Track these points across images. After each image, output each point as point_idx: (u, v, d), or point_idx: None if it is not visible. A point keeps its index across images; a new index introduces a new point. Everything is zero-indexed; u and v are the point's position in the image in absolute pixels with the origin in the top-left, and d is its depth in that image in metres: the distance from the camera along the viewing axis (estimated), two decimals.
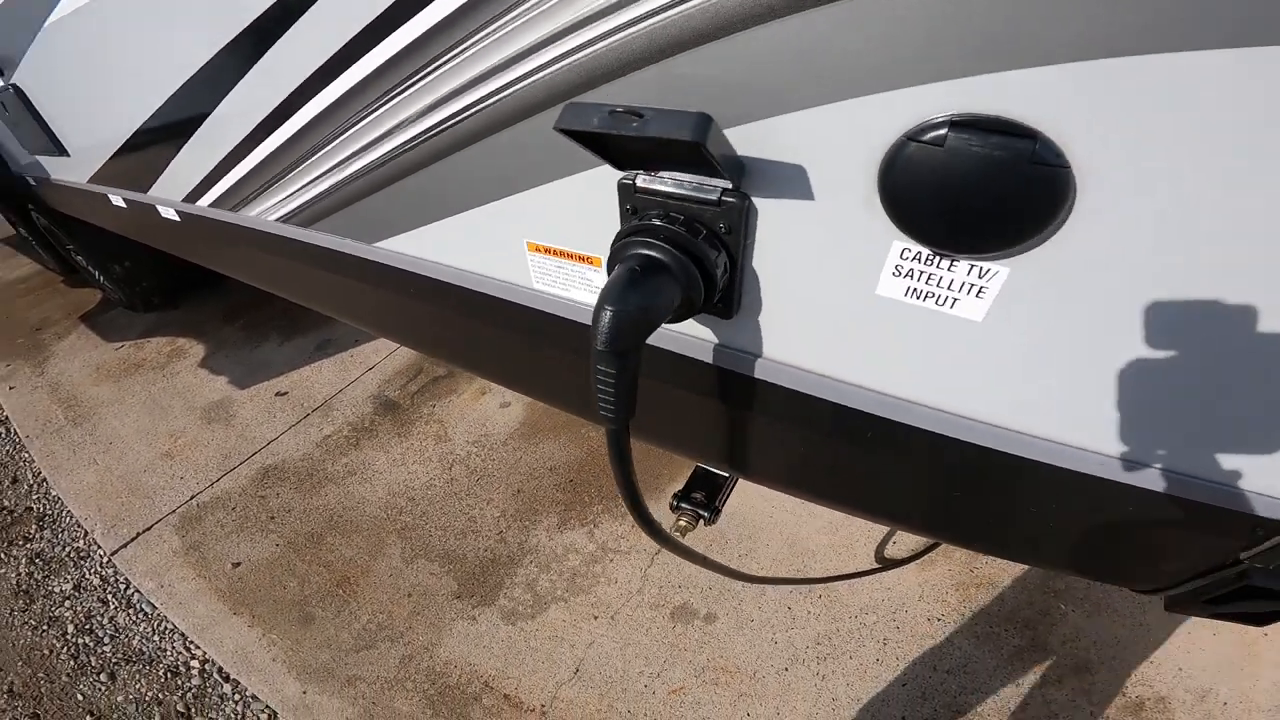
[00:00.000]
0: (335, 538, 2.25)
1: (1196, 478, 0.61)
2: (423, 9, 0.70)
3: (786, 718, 1.67)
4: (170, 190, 1.52)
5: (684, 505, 1.41)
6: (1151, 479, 0.63)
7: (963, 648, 1.78)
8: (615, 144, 0.58)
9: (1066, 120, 0.45)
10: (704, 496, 1.40)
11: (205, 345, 3.42)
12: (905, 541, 2.03)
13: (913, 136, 0.49)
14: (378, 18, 0.75)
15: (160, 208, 1.64)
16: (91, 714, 1.94)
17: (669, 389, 0.86)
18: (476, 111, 0.74)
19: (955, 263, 0.55)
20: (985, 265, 0.54)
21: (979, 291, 0.56)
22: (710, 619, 1.89)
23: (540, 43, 0.64)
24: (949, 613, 1.85)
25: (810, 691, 1.71)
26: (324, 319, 3.45)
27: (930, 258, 0.56)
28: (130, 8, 1.16)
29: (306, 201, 1.12)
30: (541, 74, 0.66)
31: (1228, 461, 0.60)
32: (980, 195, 0.48)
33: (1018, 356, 0.59)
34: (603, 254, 0.71)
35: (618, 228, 0.68)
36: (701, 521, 1.44)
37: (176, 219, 1.61)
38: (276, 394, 2.97)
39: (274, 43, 0.91)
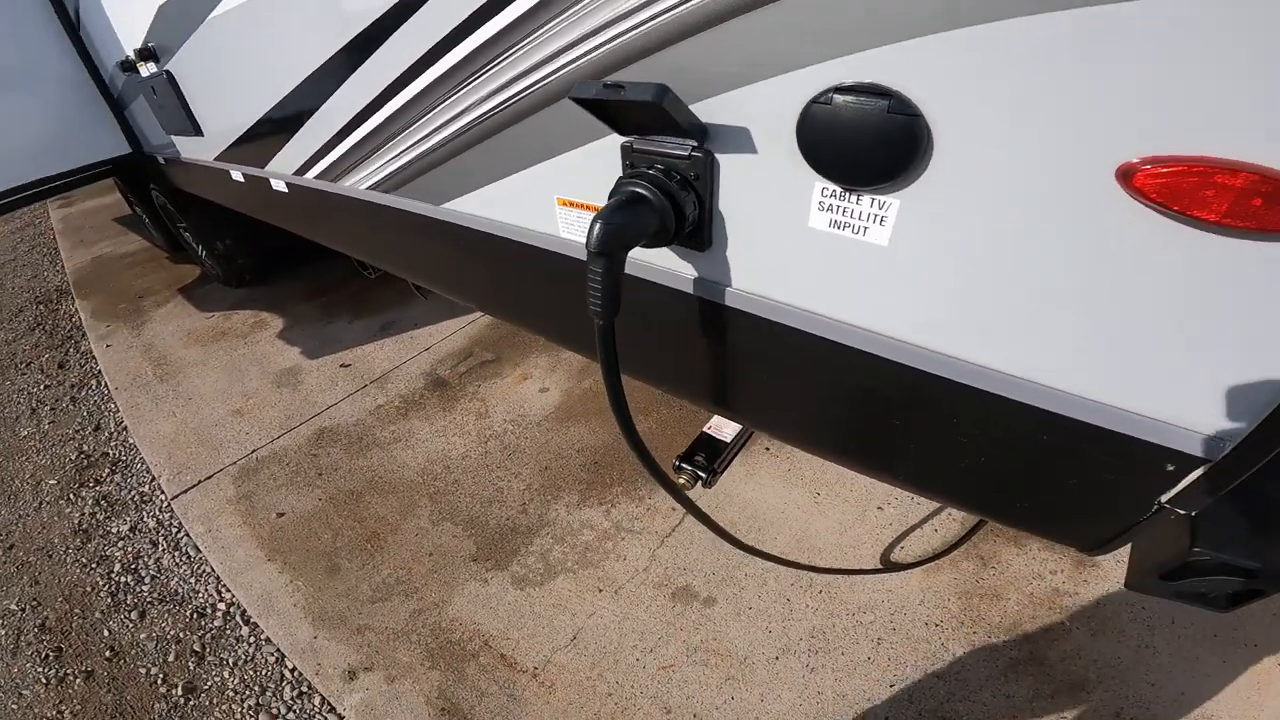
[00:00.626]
0: (373, 496, 2.45)
1: (1090, 399, 0.67)
2: (485, 22, 0.95)
3: (770, 705, 1.70)
4: (282, 165, 1.84)
5: (685, 466, 1.56)
6: (1046, 398, 0.70)
7: (957, 655, 1.78)
8: (612, 111, 0.79)
9: (915, 81, 0.63)
10: (704, 459, 1.54)
11: (284, 319, 3.82)
12: (913, 547, 2.06)
13: (814, 100, 0.68)
14: (449, 33, 1.01)
15: (273, 180, 1.97)
16: (111, 649, 2.11)
17: (663, 326, 1.05)
18: (524, 96, 0.98)
19: (860, 197, 0.72)
20: (881, 198, 0.71)
21: (881, 220, 0.73)
22: (709, 602, 1.96)
23: (571, 43, 0.88)
24: (948, 619, 1.85)
25: (797, 682, 1.74)
26: (390, 302, 3.81)
27: (842, 193, 0.73)
28: (276, 9, 1.45)
29: (391, 173, 1.39)
30: (571, 65, 0.89)
31: (1123, 382, 0.64)
32: (860, 140, 0.66)
33: (918, 275, 0.74)
34: None
35: None
36: (700, 483, 1.58)
37: (285, 190, 1.93)
38: (341, 365, 3.29)
39: (376, 48, 1.19)
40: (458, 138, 1.14)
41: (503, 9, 0.92)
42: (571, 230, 1.07)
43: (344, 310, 3.82)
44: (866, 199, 0.72)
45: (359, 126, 1.40)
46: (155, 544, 2.47)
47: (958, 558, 2.02)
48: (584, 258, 1.06)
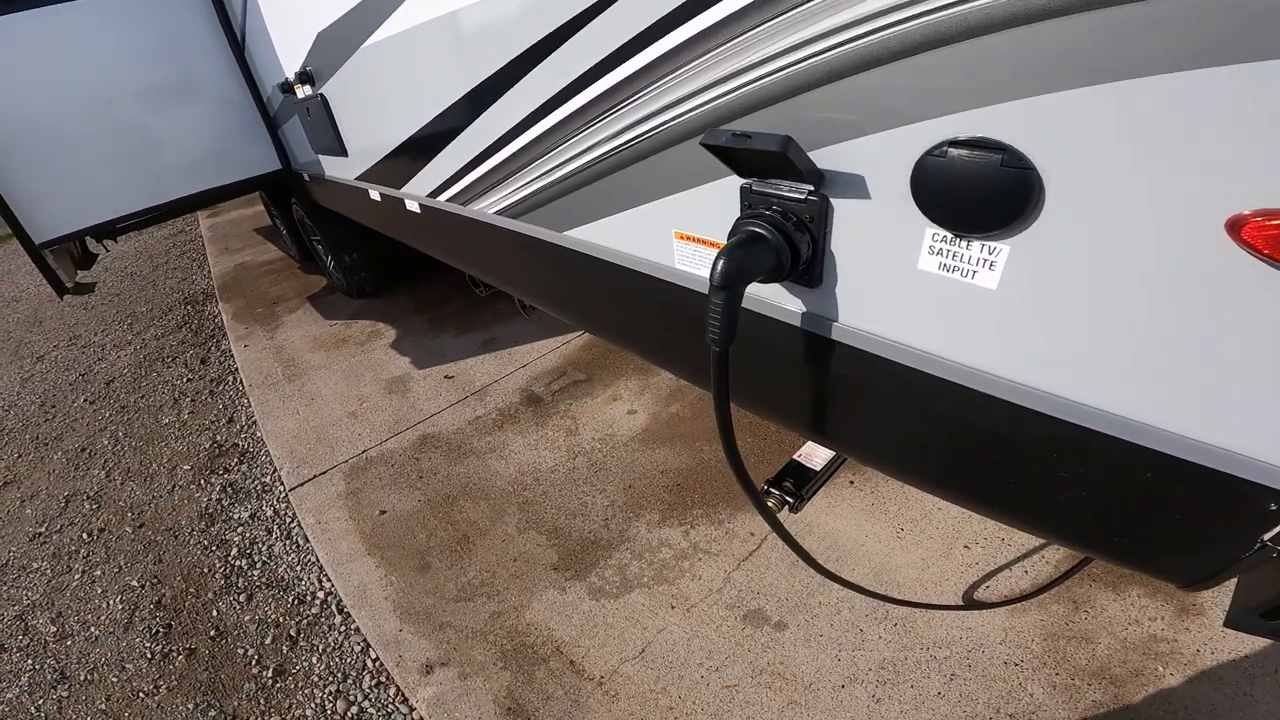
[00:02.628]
0: (466, 501, 2.60)
1: (1193, 439, 0.69)
2: (617, 66, 1.07)
3: None
4: (418, 188, 2.04)
5: (773, 490, 1.62)
6: (1149, 436, 0.73)
7: (1035, 695, 1.70)
8: (736, 157, 0.90)
9: (1028, 136, 0.69)
10: (793, 485, 1.59)
11: (396, 331, 4.15)
12: (999, 588, 1.99)
13: (929, 153, 0.76)
14: (583, 74, 1.14)
15: (408, 201, 2.19)
16: (216, 629, 2.27)
17: (771, 356, 1.13)
18: (650, 136, 1.10)
19: (970, 242, 0.78)
20: (992, 244, 0.77)
21: (990, 265, 0.78)
22: (780, 627, 1.95)
23: (700, 89, 0.99)
24: (1029, 659, 1.78)
25: (861, 712, 1.70)
26: (494, 320, 4.06)
27: (953, 239, 0.80)
28: (426, 41, 1.60)
29: (519, 199, 1.56)
30: (698, 110, 1.00)
31: (1227, 422, 0.66)
32: (973, 191, 0.73)
33: (1026, 318, 0.78)
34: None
35: None
36: (786, 507, 1.63)
37: (418, 211, 2.15)
38: (445, 377, 3.53)
39: (513, 85, 1.34)
40: (585, 170, 1.28)
41: (634, 55, 1.04)
42: (686, 262, 1.17)
43: (450, 325, 4.09)
44: (976, 244, 0.78)
45: (492, 156, 1.56)
46: (270, 531, 2.69)
47: (1047, 600, 1.93)
48: (696, 288, 1.18)
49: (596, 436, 2.90)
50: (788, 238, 0.90)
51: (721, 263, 0.87)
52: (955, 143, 0.73)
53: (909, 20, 0.71)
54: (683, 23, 0.95)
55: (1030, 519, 0.97)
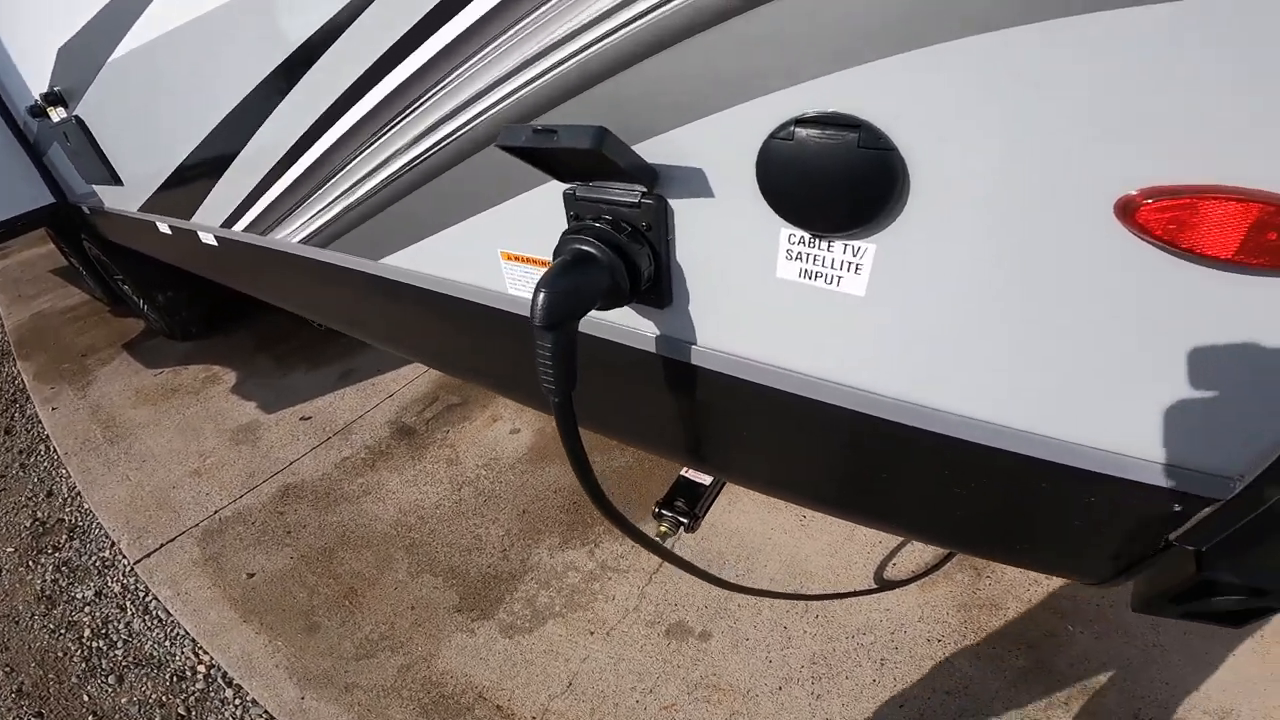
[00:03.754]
0: (346, 552, 2.36)
1: (1091, 447, 0.64)
2: (406, 59, 0.86)
3: None
4: (210, 217, 1.71)
5: (665, 513, 1.48)
6: (1044, 448, 0.66)
7: (964, 669, 1.74)
8: (547, 158, 0.71)
9: (886, 109, 0.55)
10: (685, 504, 1.47)
11: (238, 372, 3.64)
12: (905, 564, 2.02)
13: (773, 135, 0.60)
14: (363, 74, 0.92)
15: (201, 233, 1.83)
16: (95, 714, 2.02)
17: (626, 382, 0.96)
18: (450, 142, 0.89)
19: (831, 244, 0.65)
20: (855, 244, 0.63)
21: (856, 268, 0.65)
22: (705, 636, 1.90)
23: (497, 80, 0.78)
24: (950, 634, 1.82)
25: (804, 711, 1.69)
26: (348, 349, 3.66)
27: (811, 240, 0.65)
28: (179, 51, 1.33)
29: (323, 225, 1.28)
30: (500, 105, 0.80)
31: (1125, 428, 0.61)
32: (828, 180, 0.58)
33: (901, 326, 0.67)
34: None
35: None
36: (682, 528, 1.50)
37: (215, 244, 1.80)
38: (301, 419, 3.14)
39: (287, 93, 1.09)
40: (386, 187, 1.04)
41: (417, 47, 0.83)
42: (520, 287, 0.97)
43: (299, 360, 3.65)
44: (839, 245, 0.64)
45: (281, 176, 1.29)
46: (123, 608, 2.37)
47: (951, 570, 1.98)
48: None
49: (480, 463, 2.71)
50: (623, 252, 0.72)
51: (542, 296, 0.68)
52: (802, 120, 0.58)
53: None
54: (462, 7, 0.74)
55: (930, 534, 0.89)
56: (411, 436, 2.92)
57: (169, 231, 2.08)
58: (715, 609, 1.97)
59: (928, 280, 0.63)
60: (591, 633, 1.95)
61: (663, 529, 1.49)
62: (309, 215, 1.31)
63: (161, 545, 2.53)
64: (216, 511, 2.64)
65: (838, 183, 0.58)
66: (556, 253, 0.75)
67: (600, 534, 2.27)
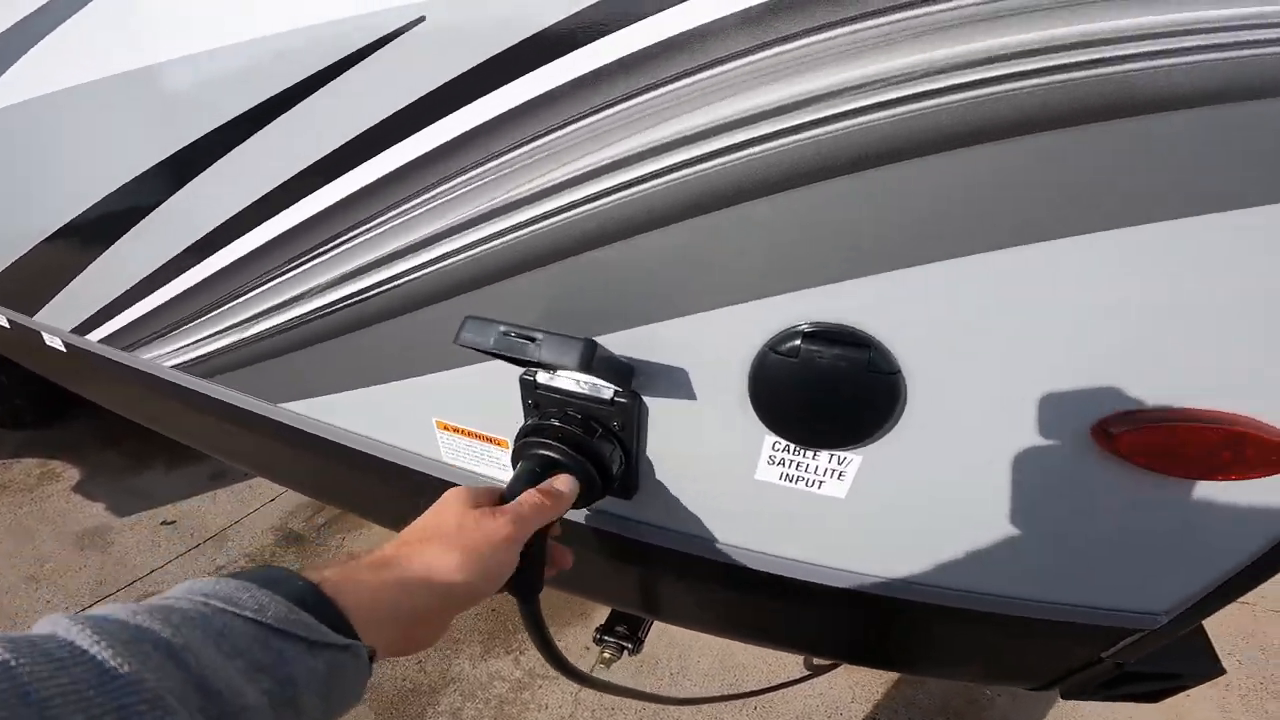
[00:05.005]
0: None
1: (1054, 603, 0.71)
2: (340, 177, 0.72)
3: None
4: (57, 319, 1.42)
5: (607, 639, 1.40)
6: (1007, 606, 0.72)
7: None
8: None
9: (890, 326, 0.54)
10: (626, 629, 1.39)
11: (81, 469, 3.09)
12: None
13: (773, 348, 0.57)
14: (294, 177, 0.76)
15: (46, 335, 1.53)
16: None
17: (590, 553, 0.89)
18: (382, 292, 0.77)
19: (817, 453, 0.62)
20: (843, 454, 0.62)
21: (839, 475, 0.63)
22: None
23: (441, 233, 0.68)
24: (883, 712, 1.88)
25: None
26: None
27: (796, 449, 0.63)
28: (39, 119, 1.07)
29: (207, 354, 1.10)
30: (446, 263, 0.70)
31: (1079, 588, 0.70)
32: (830, 399, 0.56)
33: (880, 523, 0.68)
34: (509, 437, 0.74)
35: (521, 416, 0.72)
36: (626, 652, 1.43)
37: (63, 349, 1.51)
38: (162, 523, 2.70)
39: (183, 186, 0.90)
40: (296, 328, 0.90)
41: (355, 165, 0.69)
42: (458, 456, 0.87)
43: (158, 457, 3.12)
44: (825, 455, 0.62)
45: (156, 290, 1.09)
46: None
47: None
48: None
49: None
50: (592, 455, 0.66)
51: None
52: (811, 335, 0.55)
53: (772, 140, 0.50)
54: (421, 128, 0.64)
55: (903, 669, 0.90)
56: (301, 544, 2.60)
57: (5, 324, 1.72)
58: (653, 711, 1.89)
59: (912, 488, 0.63)
60: None
61: (606, 655, 1.41)
62: (189, 340, 1.12)
63: None
64: None
65: (839, 404, 0.56)
66: (518, 456, 0.67)
67: (524, 641, 2.12)
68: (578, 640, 2.13)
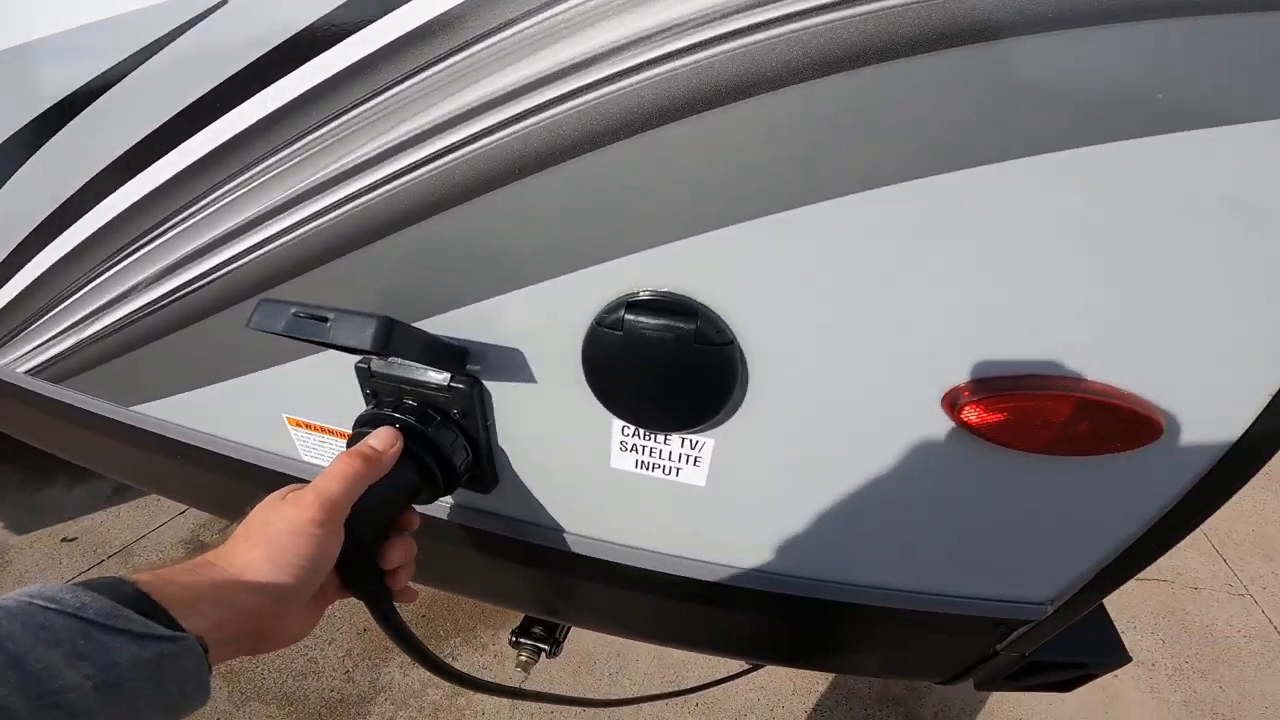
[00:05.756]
0: None
1: (931, 593, 0.68)
2: (146, 169, 0.66)
3: None
4: None
5: (523, 640, 1.33)
6: (888, 599, 0.69)
7: None
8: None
9: (718, 290, 0.49)
10: (543, 630, 1.33)
11: None
12: None
13: (600, 321, 0.52)
14: (103, 170, 0.69)
15: None
16: None
17: (460, 551, 0.83)
18: (206, 284, 0.70)
19: (668, 437, 0.58)
20: (694, 438, 0.57)
21: (695, 460, 0.59)
22: None
23: (254, 220, 0.62)
24: (824, 702, 1.88)
25: None
26: None
27: (645, 433, 0.58)
28: None
29: (53, 357, 1.00)
30: (265, 249, 0.64)
31: (947, 577, 0.67)
32: (663, 377, 0.51)
33: (744, 512, 0.63)
34: None
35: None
36: (543, 654, 1.37)
37: None
38: (63, 540, 2.54)
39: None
40: (130, 325, 0.82)
41: (170, 148, 0.62)
42: (315, 455, 0.80)
43: (58, 474, 2.92)
44: (676, 439, 0.58)
45: None
46: None
47: None
48: None
49: None
50: (432, 446, 0.60)
51: None
52: (634, 305, 0.50)
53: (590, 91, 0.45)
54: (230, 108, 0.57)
55: (799, 665, 0.87)
56: None
57: None
58: (594, 712, 1.87)
59: (768, 471, 0.59)
60: None
61: (523, 658, 1.34)
62: (36, 343, 1.02)
63: None
64: None
65: (672, 380, 0.51)
66: (350, 447, 0.61)
67: (456, 646, 2.06)
68: (495, 646, 2.07)
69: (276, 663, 2.00)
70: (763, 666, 1.94)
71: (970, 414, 0.51)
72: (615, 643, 2.04)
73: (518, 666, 1.36)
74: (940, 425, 0.53)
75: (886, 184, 0.43)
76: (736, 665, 1.96)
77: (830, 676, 1.94)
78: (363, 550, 0.54)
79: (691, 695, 1.88)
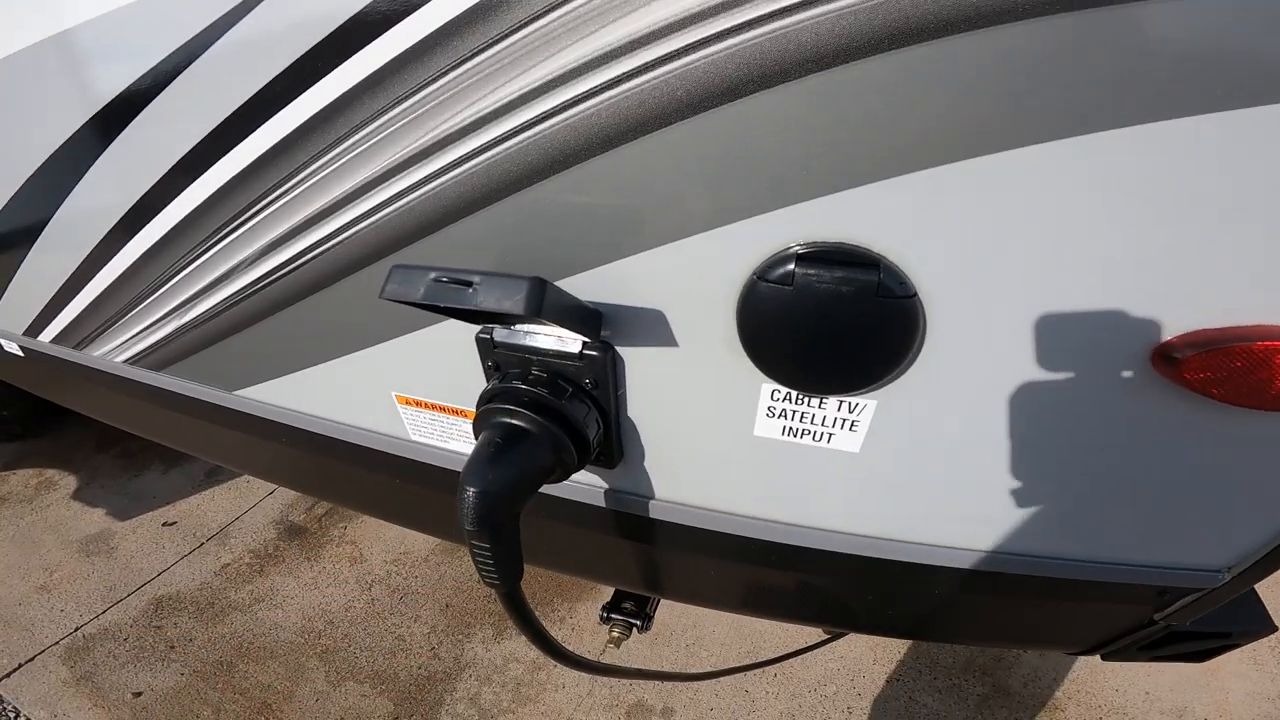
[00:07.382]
0: (249, 665, 2.07)
1: (1096, 562, 0.63)
2: (250, 135, 0.62)
3: None
4: (8, 322, 1.34)
5: (614, 616, 1.32)
6: (1050, 568, 0.64)
7: (929, 705, 1.76)
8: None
9: (901, 242, 0.44)
10: (633, 605, 1.32)
11: (77, 476, 3.08)
12: None
13: (762, 275, 0.47)
14: (203, 139, 0.67)
15: (3, 341, 1.45)
16: None
17: (576, 530, 0.80)
18: (312, 259, 0.68)
19: (825, 401, 0.53)
20: (854, 400, 0.52)
21: (852, 425, 0.54)
22: (668, 713, 1.80)
23: (363, 186, 0.59)
24: (907, 672, 1.83)
25: None
26: None
27: (800, 397, 0.53)
28: None
29: (153, 344, 1.02)
30: (376, 217, 0.61)
31: (1119, 543, 0.62)
32: (834, 335, 0.46)
33: (901, 479, 0.58)
34: (474, 407, 0.65)
35: (484, 381, 0.63)
36: (635, 630, 1.36)
37: (20, 354, 1.43)
38: (164, 524, 2.69)
39: (89, 169, 0.82)
40: (230, 308, 0.81)
41: (264, 121, 0.60)
42: (424, 434, 0.78)
43: (153, 459, 3.09)
44: (834, 402, 0.53)
45: (89, 280, 1.01)
46: None
47: None
48: (451, 466, 0.79)
49: (389, 558, 2.43)
50: (564, 421, 0.56)
51: (470, 495, 0.52)
52: (806, 258, 0.45)
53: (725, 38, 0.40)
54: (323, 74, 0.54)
55: (934, 639, 0.83)
56: (303, 536, 2.56)
57: None
58: (671, 684, 1.84)
59: (934, 437, 0.54)
60: None
61: (615, 634, 1.34)
62: (133, 332, 1.03)
63: (21, 665, 2.14)
64: (78, 628, 2.25)
65: (845, 338, 0.46)
66: (479, 426, 0.58)
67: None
68: (589, 617, 2.09)
69: (367, 641, 2.09)
70: (843, 636, 1.91)
71: (1188, 369, 0.45)
72: (691, 613, 2.03)
73: (609, 642, 1.36)
74: (1148, 382, 0.47)
75: (1087, 132, 0.37)
76: (814, 635, 1.94)
77: (911, 644, 1.89)
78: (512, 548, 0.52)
79: (770, 666, 1.88)
